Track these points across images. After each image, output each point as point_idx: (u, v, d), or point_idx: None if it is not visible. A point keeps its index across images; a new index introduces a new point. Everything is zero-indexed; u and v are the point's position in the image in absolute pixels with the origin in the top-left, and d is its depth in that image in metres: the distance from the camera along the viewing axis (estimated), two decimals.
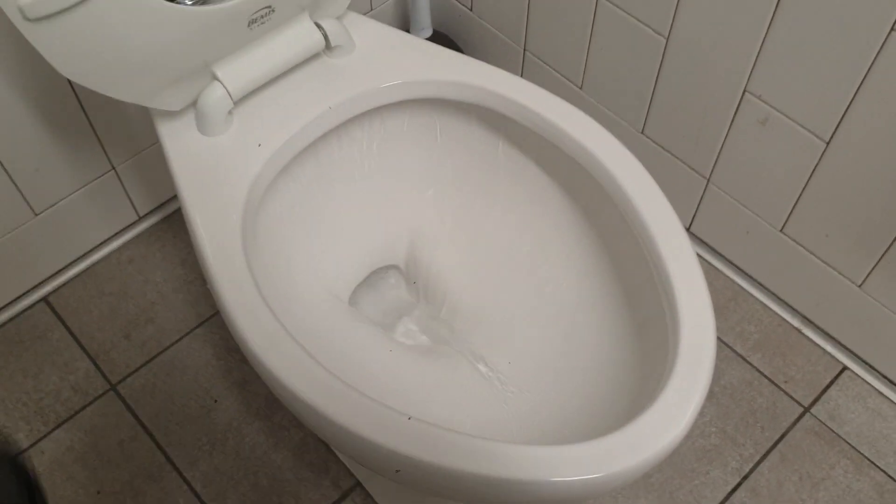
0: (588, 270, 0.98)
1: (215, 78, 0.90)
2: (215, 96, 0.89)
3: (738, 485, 1.18)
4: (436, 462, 0.72)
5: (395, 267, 1.12)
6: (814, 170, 1.10)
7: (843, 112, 1.02)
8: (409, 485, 0.78)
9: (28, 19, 0.73)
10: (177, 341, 1.28)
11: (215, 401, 1.22)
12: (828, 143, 1.06)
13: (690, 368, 0.77)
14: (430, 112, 1.01)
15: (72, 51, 0.78)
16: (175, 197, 1.40)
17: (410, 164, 1.06)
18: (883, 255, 1.11)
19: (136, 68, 0.83)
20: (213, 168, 0.89)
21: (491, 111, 0.97)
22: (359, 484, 1.17)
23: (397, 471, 0.74)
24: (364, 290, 1.11)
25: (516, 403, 0.97)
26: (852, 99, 1.00)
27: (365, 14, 1.20)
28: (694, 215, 1.33)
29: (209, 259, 0.83)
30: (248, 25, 0.88)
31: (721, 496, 1.17)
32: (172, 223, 1.39)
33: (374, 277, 1.12)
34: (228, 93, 0.90)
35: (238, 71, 0.90)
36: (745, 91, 1.10)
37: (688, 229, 1.35)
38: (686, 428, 0.75)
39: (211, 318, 1.30)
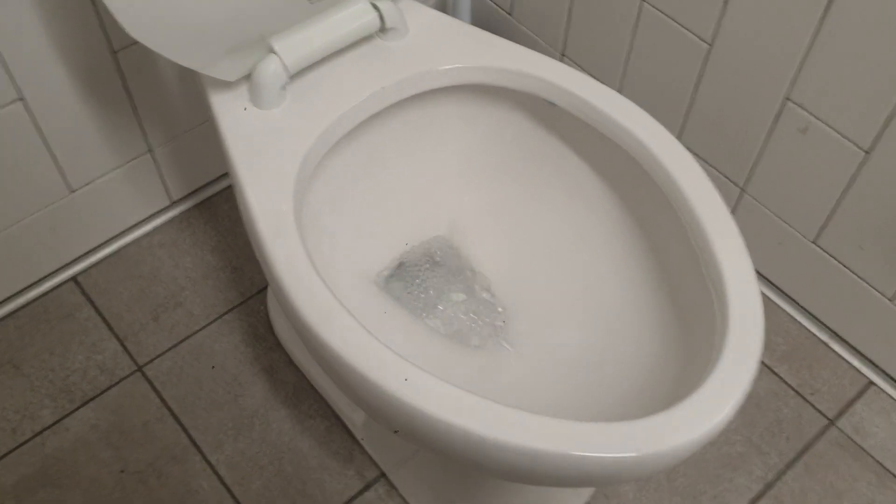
0: (630, 262, 0.98)
1: (272, 51, 0.90)
2: (271, 69, 0.90)
3: (762, 493, 1.17)
4: (485, 434, 0.72)
5: (432, 255, 1.12)
6: (851, 180, 1.11)
7: (884, 121, 1.03)
8: (447, 454, 0.77)
9: None
10: (205, 326, 1.28)
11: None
12: (867, 153, 1.07)
13: (738, 355, 0.77)
14: (479, 99, 1.02)
15: (140, 10, 0.79)
16: (208, 184, 1.40)
17: (455, 151, 1.07)
18: None
19: (198, 32, 0.84)
20: (265, 141, 0.89)
21: (541, 100, 0.98)
22: (383, 475, 1.16)
23: (443, 442, 0.74)
24: (399, 276, 1.11)
25: (553, 394, 0.96)
26: (895, 107, 1.01)
27: None
28: None
29: (262, 231, 0.83)
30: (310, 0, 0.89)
31: (745, 503, 1.17)
32: (204, 210, 1.39)
33: (410, 264, 1.12)
34: (284, 66, 0.90)
35: (295, 45, 0.91)
36: (786, 99, 1.11)
37: None
38: (730, 414, 0.74)
39: (240, 304, 1.30)
